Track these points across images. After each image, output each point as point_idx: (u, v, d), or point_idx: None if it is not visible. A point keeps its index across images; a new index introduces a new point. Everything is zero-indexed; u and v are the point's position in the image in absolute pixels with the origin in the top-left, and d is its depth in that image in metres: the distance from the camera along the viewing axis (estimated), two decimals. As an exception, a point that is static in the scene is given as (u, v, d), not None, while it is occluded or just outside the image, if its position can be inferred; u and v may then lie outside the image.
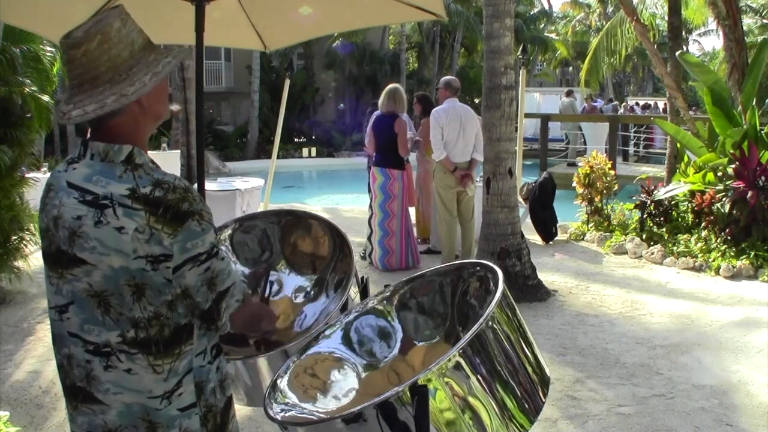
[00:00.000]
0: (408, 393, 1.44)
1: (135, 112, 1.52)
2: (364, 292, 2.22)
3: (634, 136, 18.64)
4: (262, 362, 2.03)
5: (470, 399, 1.51)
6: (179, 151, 13.22)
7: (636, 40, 18.99)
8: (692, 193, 7.58)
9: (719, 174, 7.60)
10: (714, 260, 6.82)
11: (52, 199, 1.53)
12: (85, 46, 1.45)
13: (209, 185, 8.16)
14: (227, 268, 1.57)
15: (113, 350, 1.49)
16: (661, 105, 24.16)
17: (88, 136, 1.56)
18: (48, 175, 7.47)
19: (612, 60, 20.27)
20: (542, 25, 35.36)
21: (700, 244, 7.14)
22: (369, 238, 7.16)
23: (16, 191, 6.01)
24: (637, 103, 26.32)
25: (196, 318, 1.56)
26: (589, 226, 8.46)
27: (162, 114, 1.60)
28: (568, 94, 20.26)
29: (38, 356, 4.79)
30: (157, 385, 1.50)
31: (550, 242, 8.17)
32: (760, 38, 16.18)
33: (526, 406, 1.61)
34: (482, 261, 1.98)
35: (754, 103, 8.06)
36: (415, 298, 2.06)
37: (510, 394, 1.58)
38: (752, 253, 6.70)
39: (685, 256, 7.03)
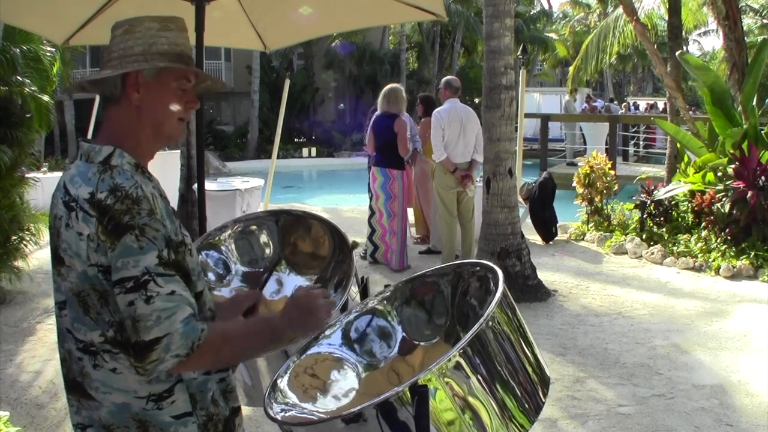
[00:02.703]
0: (408, 393, 1.44)
1: (130, 105, 1.54)
2: (364, 292, 2.21)
3: (634, 136, 18.66)
4: (262, 362, 2.03)
5: (470, 399, 1.51)
6: (179, 151, 13.20)
7: (632, 38, 18.99)
8: (692, 193, 7.59)
9: (719, 174, 7.60)
10: (714, 260, 6.82)
11: (54, 198, 1.55)
12: (115, 32, 1.56)
13: (209, 185, 8.16)
14: (158, 314, 1.37)
15: (98, 350, 1.49)
16: (660, 105, 24.17)
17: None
18: (48, 175, 7.46)
19: (602, 58, 20.26)
20: (542, 25, 35.36)
21: (700, 244, 7.14)
22: (369, 238, 7.16)
23: (16, 191, 6.01)
24: (635, 104, 26.35)
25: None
26: (589, 226, 8.46)
27: (161, 124, 1.56)
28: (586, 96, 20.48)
29: (38, 356, 4.79)
30: (140, 386, 1.49)
31: (550, 242, 8.17)
32: (760, 38, 16.18)
33: (526, 406, 1.61)
34: (482, 261, 1.97)
35: (754, 103, 8.07)
36: (415, 298, 2.06)
37: (510, 394, 1.58)
38: (752, 253, 6.70)
39: (685, 256, 7.03)
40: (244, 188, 8.39)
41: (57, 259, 1.52)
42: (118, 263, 1.38)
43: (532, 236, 8.06)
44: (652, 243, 7.53)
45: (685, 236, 7.39)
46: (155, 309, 1.37)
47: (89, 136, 10.91)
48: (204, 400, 1.56)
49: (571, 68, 22.80)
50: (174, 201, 8.54)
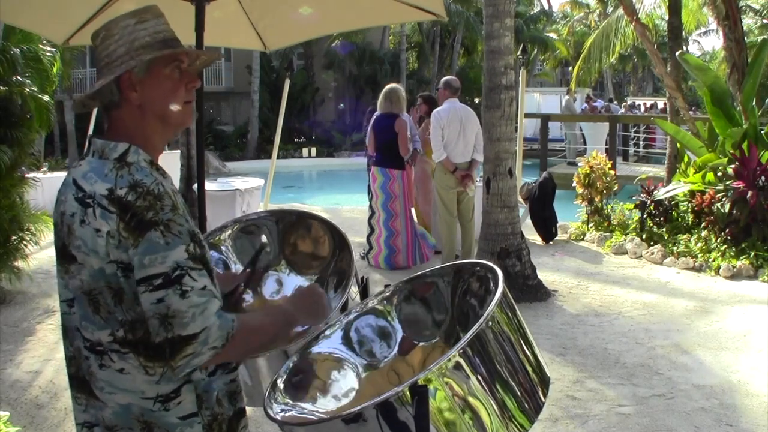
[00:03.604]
0: (408, 393, 1.44)
1: (132, 106, 1.53)
2: (364, 292, 2.21)
3: (634, 136, 18.66)
4: (262, 362, 2.03)
5: (470, 399, 1.51)
6: (179, 151, 13.23)
7: (633, 38, 18.99)
8: (692, 193, 7.59)
9: (719, 174, 7.60)
10: (714, 260, 6.82)
11: (61, 195, 1.54)
12: (95, 42, 1.55)
13: (209, 185, 8.16)
14: (194, 311, 1.38)
15: (105, 349, 1.48)
16: (660, 105, 24.16)
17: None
18: (48, 175, 7.46)
19: (605, 59, 20.28)
20: (542, 25, 35.36)
21: (700, 244, 7.14)
22: (368, 238, 7.16)
23: (16, 191, 6.01)
24: (634, 104, 26.35)
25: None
26: (589, 226, 8.46)
27: (168, 115, 1.55)
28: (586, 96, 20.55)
29: (38, 356, 4.79)
30: (149, 386, 1.48)
31: (550, 242, 8.17)
32: (760, 38, 16.17)
33: (526, 406, 1.61)
34: (482, 261, 1.97)
35: (754, 103, 8.07)
36: (415, 298, 2.06)
37: (510, 394, 1.58)
38: (752, 253, 6.70)
39: (685, 256, 7.03)
40: (244, 188, 8.40)
41: (66, 256, 1.51)
42: (145, 260, 1.37)
43: (532, 236, 8.06)
44: (652, 243, 7.53)
45: (685, 236, 7.39)
46: (192, 304, 1.38)
47: (89, 136, 10.88)
48: (209, 401, 1.55)
49: (574, 69, 22.81)
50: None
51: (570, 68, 41.07)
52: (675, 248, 7.25)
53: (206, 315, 1.39)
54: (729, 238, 6.99)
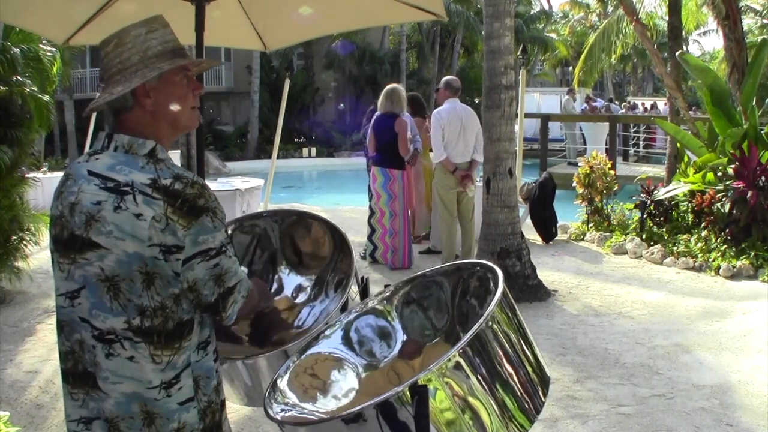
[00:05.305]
0: (408, 393, 1.44)
1: (144, 110, 1.59)
2: (364, 292, 2.22)
3: (634, 136, 18.65)
4: (262, 362, 2.03)
5: (470, 399, 1.51)
6: (179, 151, 13.25)
7: (633, 38, 18.99)
8: (692, 193, 7.58)
9: (719, 174, 7.60)
10: (714, 260, 6.81)
11: (69, 187, 1.59)
12: (106, 49, 1.61)
13: (209, 185, 8.14)
14: (234, 267, 1.62)
15: (117, 337, 1.53)
16: (660, 105, 24.16)
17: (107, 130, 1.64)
18: (48, 175, 7.43)
19: (610, 60, 20.35)
20: (542, 25, 35.35)
21: (700, 244, 7.14)
22: (369, 238, 7.16)
23: (16, 191, 6.01)
24: (635, 104, 26.35)
25: (201, 311, 1.60)
26: (589, 226, 8.46)
27: (177, 119, 1.64)
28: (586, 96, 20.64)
29: (38, 356, 4.79)
30: (155, 375, 1.54)
31: (550, 242, 8.17)
32: (760, 38, 16.17)
33: (526, 406, 1.61)
34: (482, 261, 1.97)
35: (754, 103, 8.06)
36: (416, 298, 2.06)
37: (510, 394, 1.58)
38: (752, 253, 6.69)
39: (685, 256, 7.03)
40: (244, 188, 8.40)
41: (75, 246, 1.54)
42: (199, 239, 1.53)
43: (532, 236, 8.06)
44: (652, 243, 7.53)
45: (685, 236, 7.39)
46: (233, 262, 1.63)
47: (89, 136, 10.91)
48: (207, 387, 1.62)
49: (575, 69, 22.84)
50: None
51: (570, 68, 41.09)
52: (675, 248, 7.24)
53: (239, 271, 1.65)
54: (729, 238, 6.99)
